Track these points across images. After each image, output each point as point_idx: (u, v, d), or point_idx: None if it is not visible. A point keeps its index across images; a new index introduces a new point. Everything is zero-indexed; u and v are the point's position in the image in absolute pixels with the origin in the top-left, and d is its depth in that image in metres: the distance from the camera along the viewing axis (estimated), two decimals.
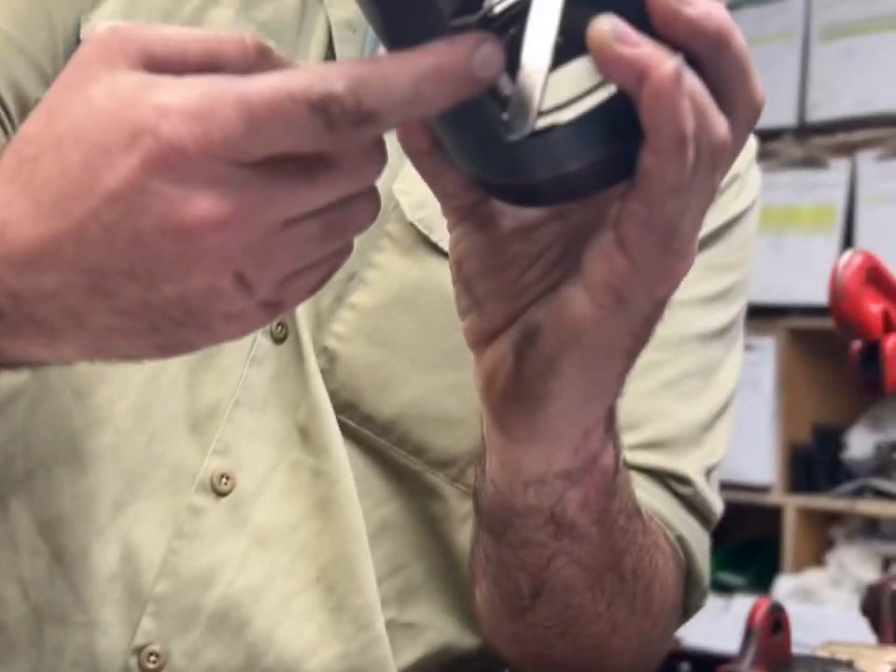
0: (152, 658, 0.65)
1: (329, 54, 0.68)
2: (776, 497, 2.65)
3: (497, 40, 0.40)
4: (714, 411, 0.74)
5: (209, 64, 0.42)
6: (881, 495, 2.46)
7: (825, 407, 2.67)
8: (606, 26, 0.39)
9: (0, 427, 0.65)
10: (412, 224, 0.67)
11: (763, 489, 2.66)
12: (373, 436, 0.68)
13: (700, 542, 0.73)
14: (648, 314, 0.46)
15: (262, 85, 0.39)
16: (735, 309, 0.75)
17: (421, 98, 0.39)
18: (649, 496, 0.68)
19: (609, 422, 0.52)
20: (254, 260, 0.41)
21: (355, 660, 0.67)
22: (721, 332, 0.74)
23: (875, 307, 0.73)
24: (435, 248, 0.67)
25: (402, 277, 0.67)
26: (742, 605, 2.05)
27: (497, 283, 0.48)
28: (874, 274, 0.74)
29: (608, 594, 0.61)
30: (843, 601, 2.35)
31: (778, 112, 2.69)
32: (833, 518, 2.65)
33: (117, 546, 0.65)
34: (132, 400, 0.65)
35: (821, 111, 2.69)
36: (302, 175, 0.41)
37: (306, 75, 0.39)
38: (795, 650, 0.72)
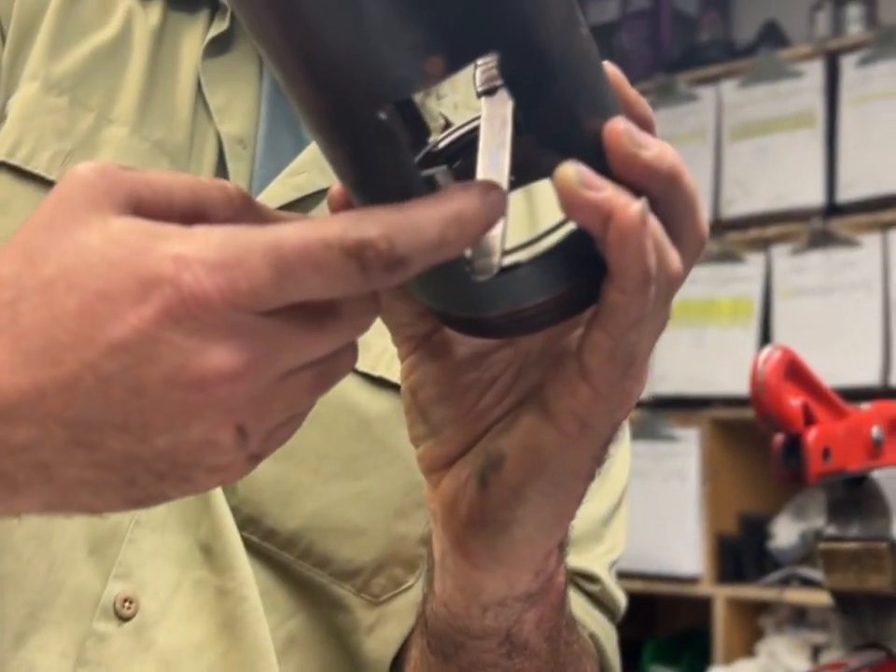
0: None
1: (221, 170, 0.69)
2: (705, 588, 2.66)
3: (501, 187, 0.41)
4: (611, 505, 0.75)
5: (195, 211, 0.41)
6: (808, 583, 2.48)
7: (750, 496, 2.70)
8: (571, 171, 0.40)
9: None
10: None
11: (692, 580, 2.67)
12: (277, 550, 0.67)
13: (610, 637, 0.74)
14: (608, 436, 0.47)
15: (293, 232, 0.38)
16: None
17: (446, 242, 0.39)
18: None
19: (564, 540, 0.52)
20: (255, 412, 0.40)
21: None
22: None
23: (795, 401, 0.75)
24: None
25: None
26: None
27: (453, 409, 0.49)
28: (793, 368, 0.76)
29: None
30: None
31: None
32: (761, 608, 2.66)
33: None
34: (31, 526, 0.63)
35: (736, 207, 2.77)
36: (314, 324, 0.40)
37: (337, 221, 0.39)
38: None
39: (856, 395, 2.08)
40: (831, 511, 0.82)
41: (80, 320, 0.38)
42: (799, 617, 2.59)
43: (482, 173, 0.42)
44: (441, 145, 0.43)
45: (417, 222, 0.39)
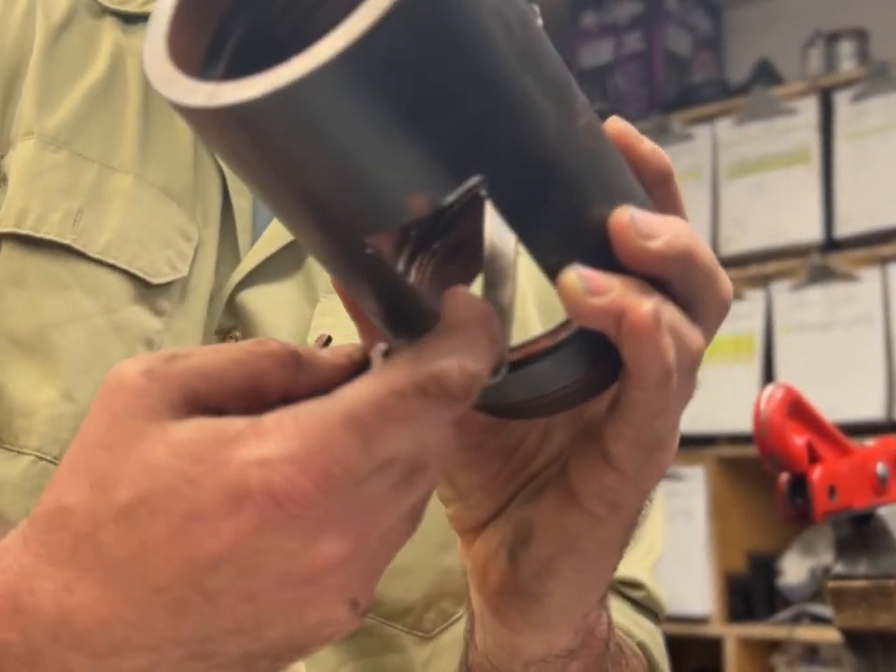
0: None
1: (226, 206, 0.69)
2: (715, 628, 2.64)
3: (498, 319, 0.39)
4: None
5: (251, 388, 0.38)
6: (819, 620, 2.46)
7: (758, 533, 2.69)
8: (573, 278, 0.38)
9: None
10: None
11: (702, 620, 2.65)
12: None
13: (658, 643, 0.73)
14: (638, 507, 0.46)
15: (364, 392, 0.36)
16: None
17: (494, 348, 0.38)
18: None
19: (604, 596, 0.52)
20: (366, 581, 0.39)
21: None
22: None
23: (799, 440, 0.75)
24: None
25: None
26: None
27: (479, 475, 0.48)
28: (796, 407, 0.76)
29: None
30: None
31: None
32: (773, 646, 2.64)
33: None
34: None
35: (734, 245, 2.77)
36: (403, 479, 0.38)
37: (399, 366, 0.37)
38: None
39: (860, 429, 2.08)
40: (838, 549, 0.81)
41: (175, 545, 0.36)
42: (811, 654, 2.57)
43: (490, 279, 0.41)
44: (413, 233, 0.41)
45: (474, 338, 0.38)
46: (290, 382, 0.39)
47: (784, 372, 2.60)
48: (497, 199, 0.37)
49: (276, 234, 0.69)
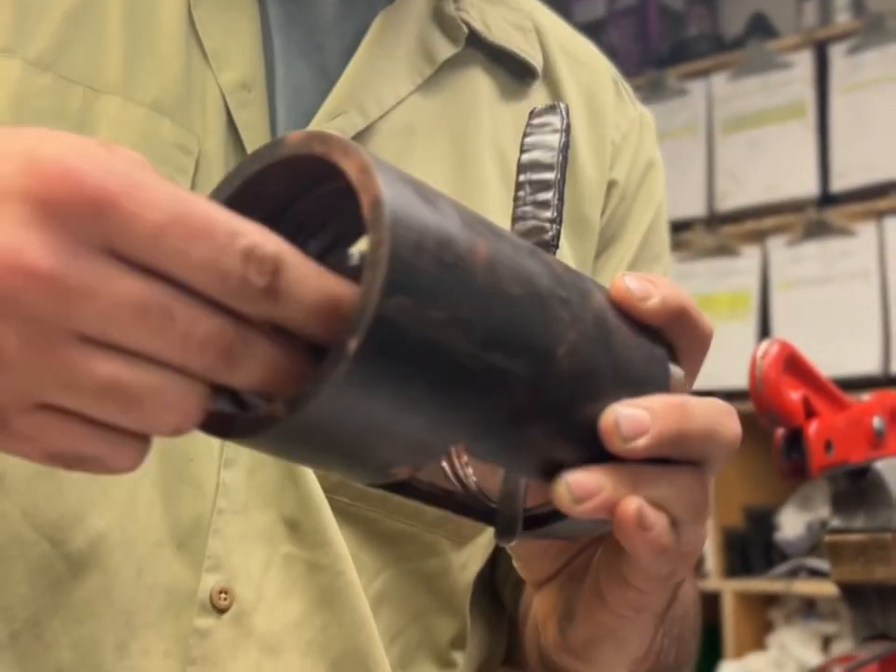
0: None
1: (229, 122, 0.65)
2: (713, 583, 2.66)
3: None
4: None
5: None
6: (816, 574, 2.47)
7: (755, 489, 2.70)
8: (562, 490, 0.42)
9: None
10: None
11: (700, 575, 2.67)
12: (368, 508, 0.67)
13: None
14: (671, 598, 0.50)
15: (211, 206, 0.36)
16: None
17: None
18: None
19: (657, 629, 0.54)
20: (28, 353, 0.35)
21: None
22: None
23: (794, 394, 0.74)
24: None
25: None
26: None
27: (534, 547, 0.52)
28: (792, 362, 0.75)
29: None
30: None
31: (688, 203, 2.75)
32: (770, 600, 2.65)
33: None
34: (113, 535, 0.62)
35: (730, 200, 2.76)
36: (152, 316, 0.36)
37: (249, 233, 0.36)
38: None
39: (857, 384, 2.09)
40: (835, 503, 0.81)
41: None
42: (808, 608, 2.59)
43: None
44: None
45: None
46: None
47: (780, 328, 2.60)
48: (478, 455, 0.42)
49: None
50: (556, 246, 0.48)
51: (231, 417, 0.37)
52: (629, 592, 0.47)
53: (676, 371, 0.48)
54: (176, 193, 0.35)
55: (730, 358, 2.69)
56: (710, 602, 2.66)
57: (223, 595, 0.63)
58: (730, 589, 2.63)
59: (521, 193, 0.49)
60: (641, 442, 0.43)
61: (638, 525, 0.43)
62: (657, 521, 0.44)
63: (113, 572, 0.62)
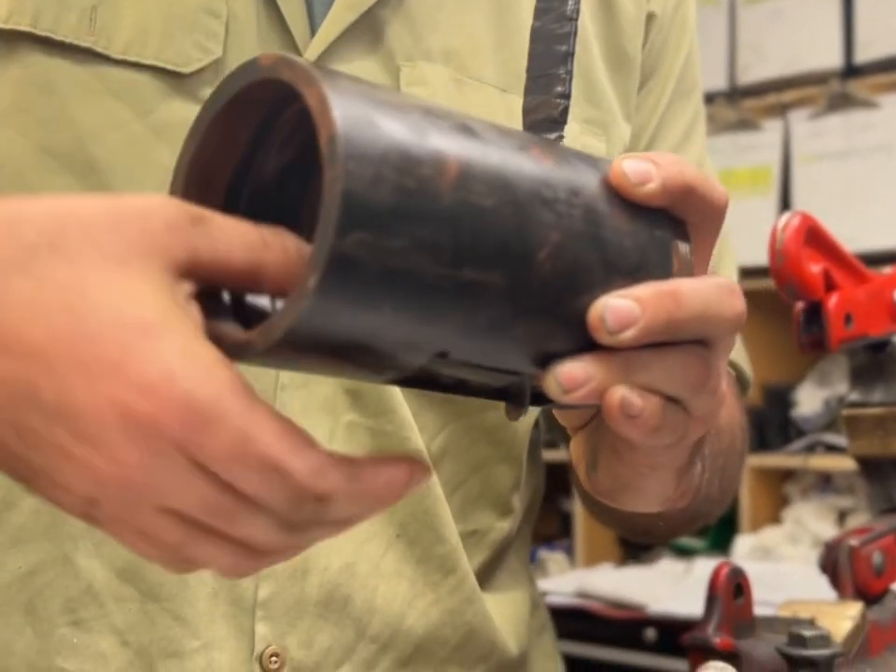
0: (273, 659, 0.65)
1: (272, 6, 0.64)
2: None
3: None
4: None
5: (251, 274, 0.41)
6: (832, 449, 2.49)
7: (772, 366, 2.70)
8: (552, 384, 0.43)
9: None
10: None
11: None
12: None
13: (738, 349, 0.80)
14: (692, 450, 0.50)
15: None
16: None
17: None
18: None
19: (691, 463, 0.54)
20: (106, 510, 0.41)
21: (447, 603, 0.70)
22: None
23: (815, 267, 0.74)
24: None
25: None
26: (703, 567, 2.07)
27: None
28: (812, 235, 0.74)
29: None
30: (801, 557, 2.37)
31: (709, 76, 2.70)
32: (786, 475, 2.67)
33: None
34: None
35: (751, 73, 2.71)
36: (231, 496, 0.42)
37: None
38: (757, 608, 0.73)
39: (879, 259, 2.07)
40: (853, 377, 0.81)
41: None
42: (824, 483, 2.60)
43: None
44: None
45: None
46: (290, 281, 0.41)
47: (802, 203, 2.57)
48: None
49: (335, 25, 0.63)
50: (564, 122, 0.47)
51: (218, 338, 0.40)
52: (637, 454, 0.48)
53: (682, 250, 0.46)
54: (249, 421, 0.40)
55: (749, 235, 2.67)
56: None
57: None
58: (746, 464, 2.65)
59: (532, 66, 0.48)
60: (629, 334, 0.43)
61: (624, 413, 0.44)
62: (645, 405, 0.44)
63: None
